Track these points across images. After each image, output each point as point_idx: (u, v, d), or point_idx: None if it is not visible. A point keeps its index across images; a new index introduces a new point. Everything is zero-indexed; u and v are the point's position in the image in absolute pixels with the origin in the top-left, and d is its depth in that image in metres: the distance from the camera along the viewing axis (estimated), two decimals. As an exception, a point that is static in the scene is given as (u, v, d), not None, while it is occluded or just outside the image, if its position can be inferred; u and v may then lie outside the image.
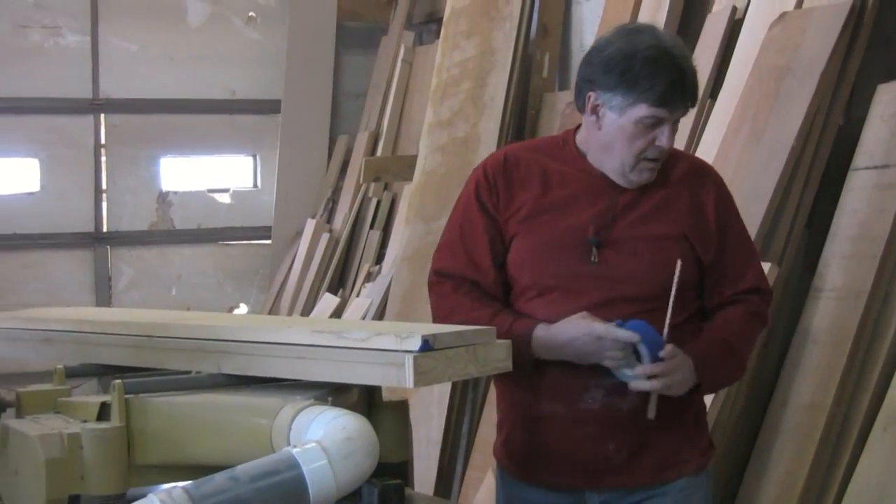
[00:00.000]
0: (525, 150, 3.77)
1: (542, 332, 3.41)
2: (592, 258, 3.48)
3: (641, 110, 3.41)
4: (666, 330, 3.34)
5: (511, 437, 3.67)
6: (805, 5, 5.31)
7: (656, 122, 3.43)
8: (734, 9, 5.76)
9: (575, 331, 3.34)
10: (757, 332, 3.71)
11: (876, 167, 4.85)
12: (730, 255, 3.57)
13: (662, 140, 3.44)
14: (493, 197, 3.59)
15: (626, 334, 3.29)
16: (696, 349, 3.45)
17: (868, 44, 5.14)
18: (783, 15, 5.34)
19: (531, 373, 3.42)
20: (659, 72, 3.39)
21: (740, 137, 5.25)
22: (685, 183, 3.58)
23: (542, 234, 3.53)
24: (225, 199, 9.72)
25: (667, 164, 3.57)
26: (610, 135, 3.48)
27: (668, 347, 3.34)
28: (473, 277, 3.58)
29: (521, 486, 3.67)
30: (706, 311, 3.62)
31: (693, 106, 3.50)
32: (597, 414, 3.45)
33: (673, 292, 3.35)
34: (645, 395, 3.35)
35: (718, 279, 3.57)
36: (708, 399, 4.82)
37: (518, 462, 3.66)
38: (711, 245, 3.54)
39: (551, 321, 3.42)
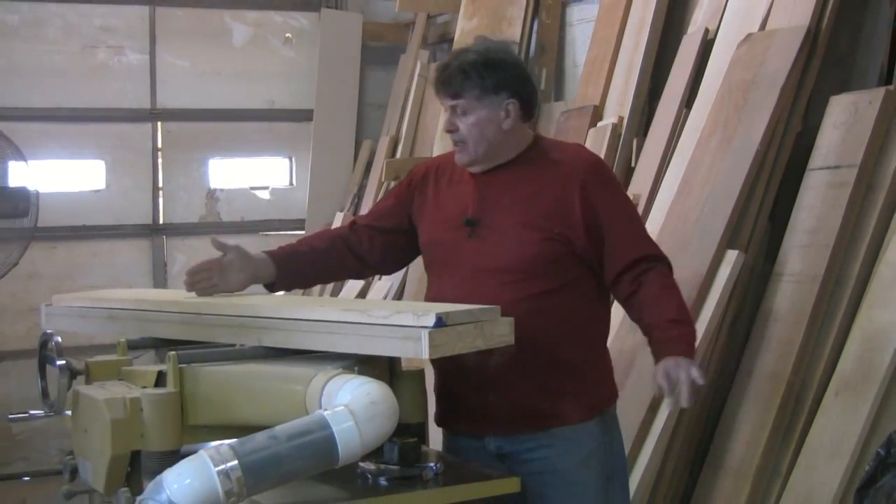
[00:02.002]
0: (437, 160, 3.93)
1: None
2: (469, 235, 3.57)
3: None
4: None
5: (438, 395, 3.71)
6: (768, 28, 5.30)
7: (449, 110, 3.58)
8: (706, 30, 5.75)
9: None
10: (676, 294, 3.60)
11: (829, 168, 4.85)
12: (607, 232, 3.53)
13: (445, 123, 3.60)
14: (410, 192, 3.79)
15: None
16: (658, 354, 3.48)
17: (822, 62, 5.15)
18: (749, 36, 5.33)
19: None
20: (436, 67, 3.65)
21: (712, 142, 5.24)
22: (559, 172, 3.58)
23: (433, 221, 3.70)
24: (265, 195, 9.70)
25: (543, 153, 3.65)
26: None
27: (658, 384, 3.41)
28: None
29: (448, 435, 3.73)
30: (610, 282, 3.59)
31: (454, 96, 3.54)
32: (473, 368, 3.41)
33: None
34: (510, 352, 3.23)
35: (607, 253, 3.54)
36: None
37: (441, 416, 3.71)
38: (576, 223, 3.51)
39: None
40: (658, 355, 3.47)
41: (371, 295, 8.00)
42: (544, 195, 3.55)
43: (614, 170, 6.11)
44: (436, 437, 3.64)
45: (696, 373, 3.36)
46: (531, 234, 3.50)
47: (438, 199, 3.71)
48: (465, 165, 3.62)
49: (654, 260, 3.60)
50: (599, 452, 3.55)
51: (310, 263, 3.75)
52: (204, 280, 3.63)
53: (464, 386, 3.54)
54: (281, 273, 3.69)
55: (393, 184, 8.31)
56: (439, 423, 3.74)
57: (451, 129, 3.55)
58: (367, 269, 3.93)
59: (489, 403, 3.52)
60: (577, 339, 3.54)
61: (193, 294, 3.76)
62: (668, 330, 3.49)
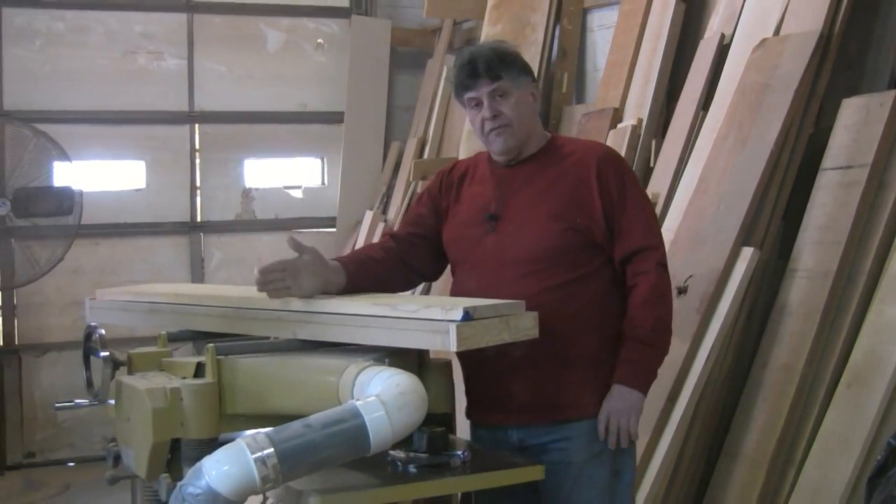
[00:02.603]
0: (460, 163, 3.91)
1: None
2: (490, 229, 3.57)
3: (462, 97, 3.63)
4: None
5: (466, 389, 3.67)
6: (782, 33, 5.28)
7: (478, 102, 3.57)
8: (722, 35, 5.74)
9: None
10: (659, 306, 3.56)
11: (841, 168, 4.83)
12: (618, 219, 3.51)
13: (485, 111, 3.55)
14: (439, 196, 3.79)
15: None
16: (618, 374, 3.49)
17: (833, 66, 5.13)
18: (763, 41, 5.31)
19: None
20: (456, 67, 3.64)
21: (728, 143, 5.22)
22: (574, 164, 3.58)
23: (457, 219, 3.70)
24: (297, 194, 9.72)
25: (558, 149, 3.64)
26: (472, 126, 3.68)
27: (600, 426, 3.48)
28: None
29: (474, 428, 3.71)
30: (619, 267, 3.58)
31: (495, 78, 3.54)
32: (496, 359, 3.39)
33: None
34: (534, 344, 3.21)
35: (615, 238, 3.53)
36: (699, 361, 4.82)
37: (470, 408, 3.69)
38: (595, 213, 3.50)
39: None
40: (616, 376, 3.50)
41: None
42: (562, 187, 3.54)
43: (634, 169, 6.11)
44: (463, 426, 3.64)
45: (633, 428, 3.49)
46: (552, 225, 3.48)
47: (461, 199, 3.71)
48: (507, 151, 3.59)
49: (652, 249, 3.56)
50: (610, 449, 3.55)
51: (373, 274, 3.64)
52: (277, 281, 3.46)
53: (487, 378, 3.54)
54: (350, 283, 3.55)
55: (421, 183, 8.33)
56: (466, 414, 3.74)
57: (496, 115, 3.53)
58: (417, 276, 3.86)
59: (512, 395, 3.51)
60: (595, 328, 3.53)
61: (229, 290, 3.76)
62: (633, 350, 3.50)
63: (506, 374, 3.48)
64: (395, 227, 3.95)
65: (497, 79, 3.53)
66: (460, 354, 3.52)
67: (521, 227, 3.52)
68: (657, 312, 3.53)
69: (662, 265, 3.57)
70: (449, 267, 3.79)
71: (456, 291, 3.64)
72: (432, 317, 2.95)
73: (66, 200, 7.89)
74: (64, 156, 7.96)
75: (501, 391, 3.53)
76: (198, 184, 9.37)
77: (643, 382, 3.52)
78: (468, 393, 3.68)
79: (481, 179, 3.69)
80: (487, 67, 3.52)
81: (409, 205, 8.43)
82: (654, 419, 4.78)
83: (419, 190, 8.65)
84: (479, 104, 3.56)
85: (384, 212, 8.99)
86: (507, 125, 3.54)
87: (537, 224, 3.51)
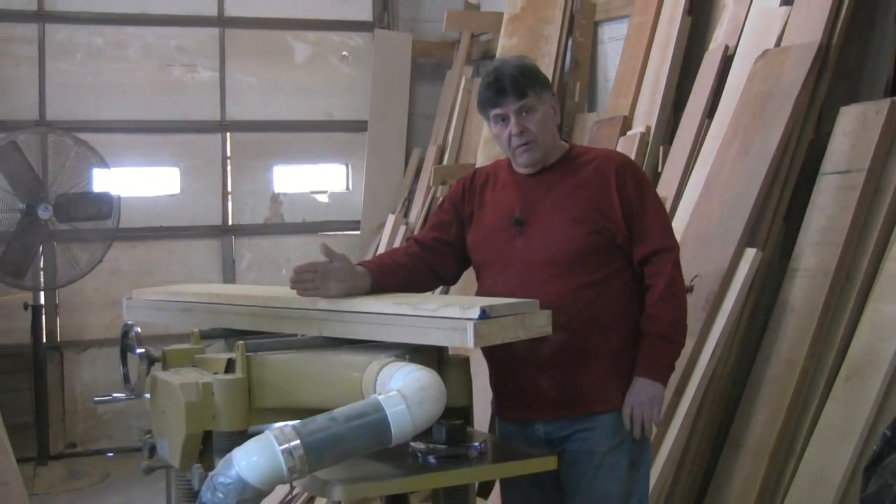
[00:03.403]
0: (481, 170, 3.90)
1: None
2: (517, 234, 3.58)
3: (488, 114, 3.59)
4: None
5: (492, 384, 3.69)
6: (783, 44, 5.27)
7: (504, 117, 3.55)
8: (727, 47, 5.72)
9: None
10: (675, 303, 3.56)
11: (840, 172, 4.81)
12: (637, 222, 3.52)
13: (512, 128, 3.53)
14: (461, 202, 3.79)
15: None
16: (639, 368, 3.52)
17: (833, 75, 5.12)
18: (766, 52, 5.30)
19: None
20: (482, 85, 3.57)
21: (732, 149, 5.21)
22: (593, 171, 3.58)
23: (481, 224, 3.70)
24: (323, 198, 9.72)
25: (577, 157, 3.64)
26: (497, 139, 3.65)
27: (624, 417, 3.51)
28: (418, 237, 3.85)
29: (502, 420, 3.73)
30: (637, 267, 3.58)
31: (521, 96, 3.52)
32: (525, 357, 3.44)
33: None
34: (561, 340, 3.33)
35: (634, 239, 3.53)
36: (705, 356, 4.81)
37: (496, 403, 3.70)
38: (615, 216, 3.51)
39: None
40: (637, 369, 3.52)
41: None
42: (584, 192, 3.55)
43: (644, 175, 6.11)
44: (480, 419, 3.64)
45: (656, 418, 3.53)
46: (576, 228, 3.49)
47: (484, 205, 3.70)
48: (534, 165, 3.59)
49: (668, 250, 3.57)
50: (630, 440, 3.55)
51: (398, 278, 3.65)
52: (307, 281, 3.45)
53: (516, 376, 3.54)
54: (374, 287, 3.57)
55: (441, 188, 8.33)
56: (495, 411, 3.74)
57: (522, 131, 3.53)
58: (438, 280, 3.88)
59: (540, 391, 3.52)
60: (619, 326, 3.54)
61: (258, 290, 3.77)
62: (653, 345, 3.52)
63: (533, 371, 3.50)
64: (418, 232, 3.94)
65: (523, 96, 3.52)
66: (488, 353, 3.53)
67: (546, 231, 3.53)
68: (674, 309, 3.55)
69: (677, 265, 3.59)
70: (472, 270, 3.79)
71: (483, 293, 3.63)
72: (451, 315, 2.95)
73: (105, 205, 7.92)
74: (103, 163, 7.98)
75: (529, 388, 3.54)
76: (229, 189, 9.39)
77: (663, 375, 3.55)
78: (496, 390, 3.68)
79: (504, 186, 3.69)
80: (514, 85, 3.52)
81: (429, 208, 8.44)
82: (662, 412, 4.77)
83: (439, 195, 8.66)
84: (504, 119, 3.56)
85: (406, 215, 8.98)
86: (533, 141, 3.54)
87: (562, 228, 3.52)
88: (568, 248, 3.48)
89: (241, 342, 3.13)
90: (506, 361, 3.52)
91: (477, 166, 3.93)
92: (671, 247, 3.59)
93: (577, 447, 3.49)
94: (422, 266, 3.71)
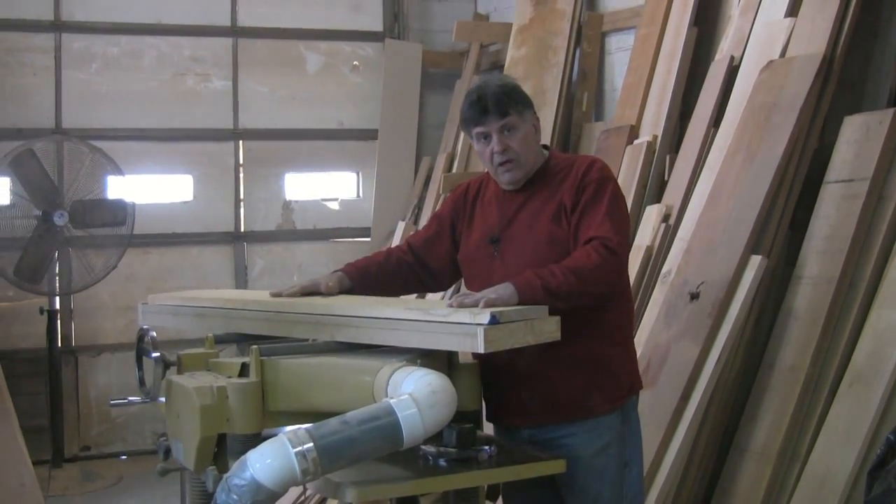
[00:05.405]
0: (473, 180, 3.93)
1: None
2: (495, 252, 3.61)
3: (471, 132, 3.62)
4: None
5: (485, 395, 3.60)
6: (788, 55, 5.27)
7: (486, 135, 3.57)
8: (732, 58, 5.73)
9: None
10: (593, 256, 3.33)
11: (843, 181, 4.82)
12: (579, 219, 3.46)
13: (495, 146, 3.56)
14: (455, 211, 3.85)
15: None
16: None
17: (836, 86, 5.12)
18: (770, 62, 5.31)
19: None
20: (465, 103, 3.59)
21: (737, 158, 5.21)
22: (562, 179, 3.58)
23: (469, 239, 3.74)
24: (335, 206, 9.73)
25: (554, 166, 3.65)
26: (480, 156, 3.67)
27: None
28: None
29: (496, 426, 3.74)
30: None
31: (504, 115, 3.53)
32: (505, 369, 3.44)
33: None
34: (539, 351, 3.15)
35: (578, 232, 3.45)
36: (710, 362, 4.80)
37: (486, 409, 3.67)
38: (572, 217, 3.49)
39: None
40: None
41: (431, 296, 7.98)
42: (553, 203, 3.55)
43: (648, 183, 6.12)
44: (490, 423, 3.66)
45: (489, 301, 3.08)
46: (545, 248, 3.49)
47: (473, 221, 3.75)
48: (516, 183, 3.61)
49: (602, 238, 3.39)
50: (617, 442, 3.55)
51: (380, 280, 3.75)
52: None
53: (500, 383, 3.54)
54: (356, 288, 3.72)
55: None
56: (487, 417, 3.75)
57: (505, 149, 3.54)
58: (428, 284, 3.93)
59: (523, 398, 3.53)
60: (603, 334, 3.53)
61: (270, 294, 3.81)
62: (537, 272, 3.29)
63: (514, 381, 3.52)
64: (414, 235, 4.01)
65: (505, 115, 3.54)
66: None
67: (518, 249, 3.57)
68: (568, 278, 3.29)
69: (607, 257, 3.37)
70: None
71: None
72: (462, 320, 2.96)
73: (120, 212, 7.93)
74: (118, 170, 8.00)
75: (512, 398, 3.56)
76: (242, 196, 9.39)
77: (522, 283, 3.24)
78: (484, 398, 3.69)
79: (489, 202, 3.74)
80: (496, 104, 3.53)
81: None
82: (668, 417, 4.77)
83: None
84: (487, 137, 3.57)
85: (415, 222, 8.99)
86: (514, 159, 3.56)
87: (532, 244, 3.54)
88: (541, 263, 3.39)
89: (254, 346, 3.14)
90: (491, 371, 3.48)
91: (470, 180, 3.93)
92: (608, 237, 3.39)
93: (563, 454, 3.48)
94: (407, 269, 3.84)
